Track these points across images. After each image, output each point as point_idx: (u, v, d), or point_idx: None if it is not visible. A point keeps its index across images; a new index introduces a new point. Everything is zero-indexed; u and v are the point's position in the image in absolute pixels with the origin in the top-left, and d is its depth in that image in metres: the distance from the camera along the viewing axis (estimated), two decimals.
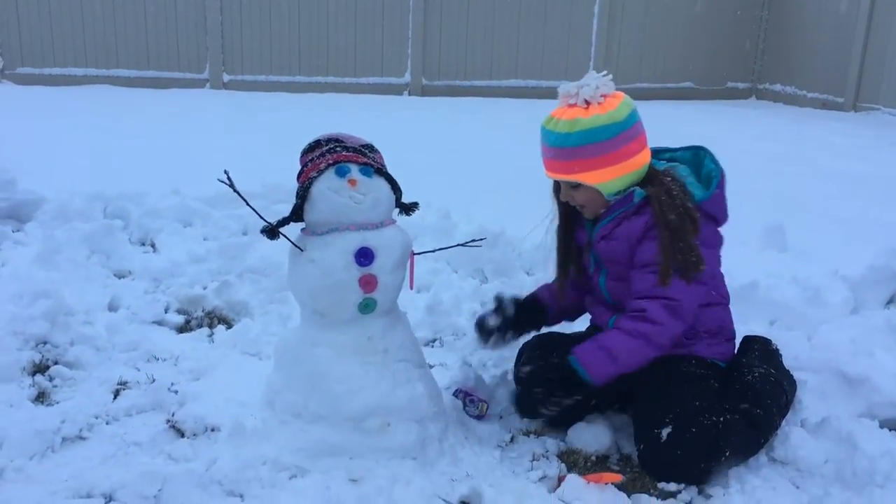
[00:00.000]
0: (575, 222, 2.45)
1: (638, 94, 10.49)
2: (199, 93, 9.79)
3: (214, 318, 3.16)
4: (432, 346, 3.03)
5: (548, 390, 2.24)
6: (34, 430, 2.20)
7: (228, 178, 2.17)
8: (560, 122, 2.20)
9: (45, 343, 2.71)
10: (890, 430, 2.38)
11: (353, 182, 2.20)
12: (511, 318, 2.55)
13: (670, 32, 11.03)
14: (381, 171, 2.28)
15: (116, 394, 2.51)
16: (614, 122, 2.17)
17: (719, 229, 2.35)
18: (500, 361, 2.84)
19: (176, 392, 2.50)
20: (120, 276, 3.47)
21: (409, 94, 10.62)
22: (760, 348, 2.54)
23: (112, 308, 3.13)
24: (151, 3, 9.92)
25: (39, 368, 2.60)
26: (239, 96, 9.58)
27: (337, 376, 2.17)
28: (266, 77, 10.35)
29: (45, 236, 3.47)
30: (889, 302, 3.40)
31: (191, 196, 4.21)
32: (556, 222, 2.49)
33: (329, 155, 2.25)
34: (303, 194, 2.22)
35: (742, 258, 3.73)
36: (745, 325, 3.10)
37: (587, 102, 2.17)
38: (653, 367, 2.31)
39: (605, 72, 2.23)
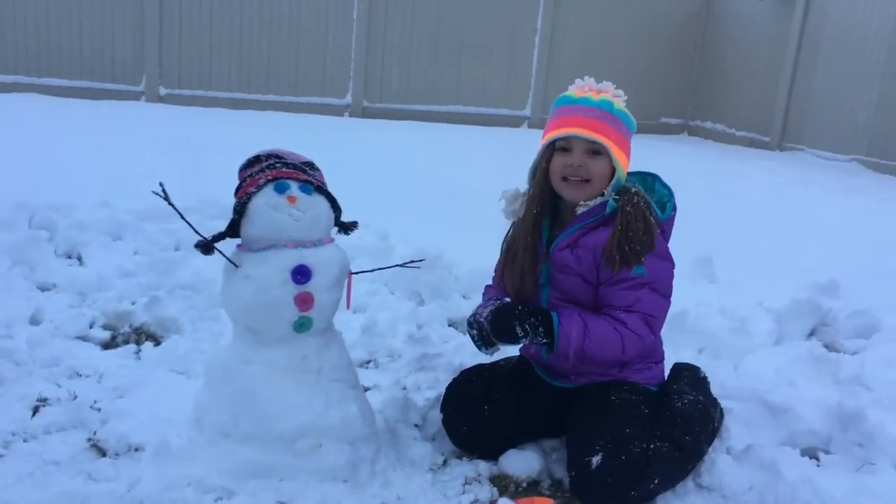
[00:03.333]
0: (543, 213, 2.37)
1: None
2: (134, 105, 9.58)
3: (142, 335, 3.07)
4: (367, 368, 3.00)
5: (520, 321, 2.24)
6: None
7: (163, 191, 2.13)
8: (600, 95, 2.28)
9: None
10: (810, 458, 2.45)
11: (292, 199, 2.17)
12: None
13: (608, 66, 11.25)
14: (322, 189, 2.26)
15: (35, 410, 2.41)
16: (633, 123, 2.33)
17: None
18: (434, 384, 2.83)
19: (99, 409, 2.41)
20: (43, 288, 3.34)
21: (350, 116, 10.60)
22: (690, 375, 2.59)
23: (34, 322, 3.02)
24: (87, 10, 9.68)
25: None
26: (176, 111, 9.41)
27: (269, 395, 2.13)
28: (205, 92, 10.19)
29: None
30: (811, 334, 3.53)
31: (122, 209, 4.11)
32: (531, 211, 2.34)
33: (269, 171, 2.22)
34: (240, 209, 2.19)
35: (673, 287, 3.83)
36: (675, 352, 3.17)
37: (615, 96, 2.29)
38: (586, 392, 2.34)
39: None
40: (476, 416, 2.36)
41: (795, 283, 3.86)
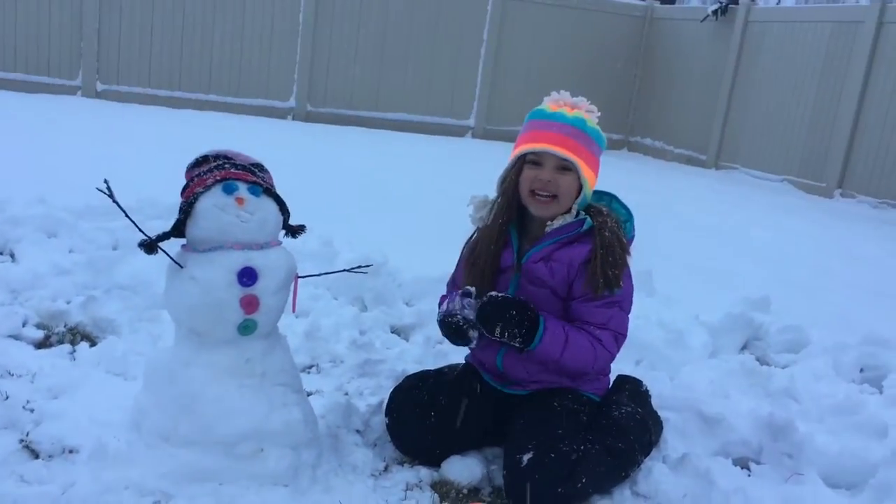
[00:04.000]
0: (504, 242, 2.39)
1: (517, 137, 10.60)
2: (71, 100, 9.35)
3: (77, 335, 2.99)
4: (309, 373, 2.98)
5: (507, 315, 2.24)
6: None
7: (108, 188, 2.09)
8: (574, 112, 2.31)
9: None
10: (742, 467, 2.53)
11: (240, 200, 2.15)
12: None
13: (551, 80, 11.40)
14: (270, 192, 2.25)
15: None
16: (603, 141, 2.38)
17: None
18: (376, 390, 2.83)
19: (32, 410, 2.34)
20: None
21: (294, 119, 10.53)
22: (631, 388, 2.65)
23: None
24: (23, 2, 9.41)
25: None
26: (113, 107, 9.21)
27: (210, 398, 2.10)
28: (143, 89, 10.01)
29: None
30: (743, 347, 3.64)
31: (57, 206, 4.00)
32: (497, 220, 2.37)
33: (217, 171, 2.20)
34: (187, 209, 2.16)
35: None
36: (613, 363, 3.23)
37: (589, 111, 2.34)
38: (530, 399, 2.36)
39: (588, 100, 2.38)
40: (422, 422, 2.37)
41: (730, 298, 3.98)
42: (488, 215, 2.42)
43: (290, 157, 6.93)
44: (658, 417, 2.61)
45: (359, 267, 2.48)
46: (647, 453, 2.46)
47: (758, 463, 2.56)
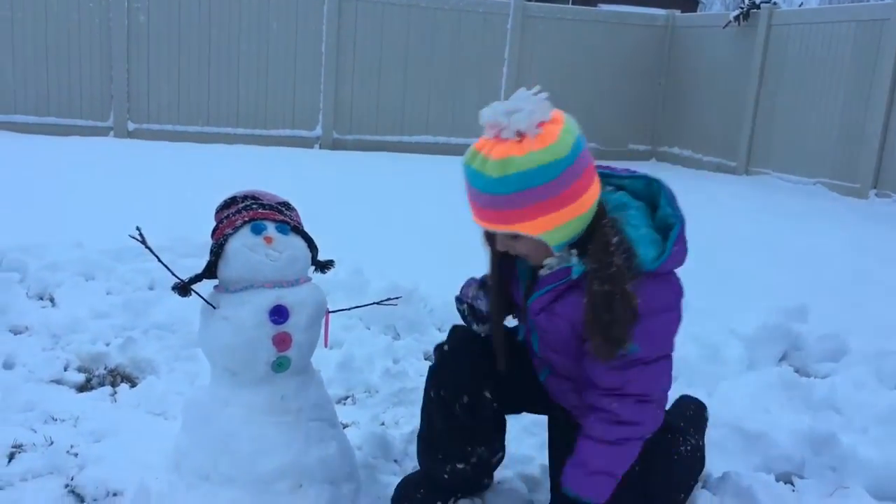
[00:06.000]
0: (510, 274, 2.10)
1: None
2: (103, 141, 9.54)
3: (117, 377, 3.05)
4: (344, 404, 3.01)
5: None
6: None
7: (140, 235, 2.13)
8: (489, 162, 1.74)
9: None
10: (785, 483, 2.49)
11: (269, 239, 2.18)
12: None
13: (575, 94, 11.45)
14: (298, 229, 2.28)
15: (11, 457, 2.37)
16: (556, 160, 1.74)
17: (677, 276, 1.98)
18: (411, 418, 2.84)
19: (76, 455, 2.38)
20: (16, 332, 3.31)
21: (321, 148, 10.64)
22: (695, 413, 2.52)
23: (7, 366, 2.98)
24: (54, 46, 9.65)
25: None
26: (144, 146, 9.39)
27: (248, 437, 2.12)
28: (173, 127, 10.19)
29: None
30: (781, 358, 3.59)
31: (94, 249, 4.08)
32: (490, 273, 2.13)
33: (245, 212, 2.24)
34: (217, 251, 2.20)
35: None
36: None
37: (520, 135, 1.74)
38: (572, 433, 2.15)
39: (537, 88, 1.80)
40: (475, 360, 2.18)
41: (765, 308, 3.93)
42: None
43: (318, 187, 7.01)
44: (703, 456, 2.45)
45: (388, 299, 2.50)
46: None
47: (801, 478, 2.52)
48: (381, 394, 3.04)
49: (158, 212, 5.17)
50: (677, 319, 1.96)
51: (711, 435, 2.65)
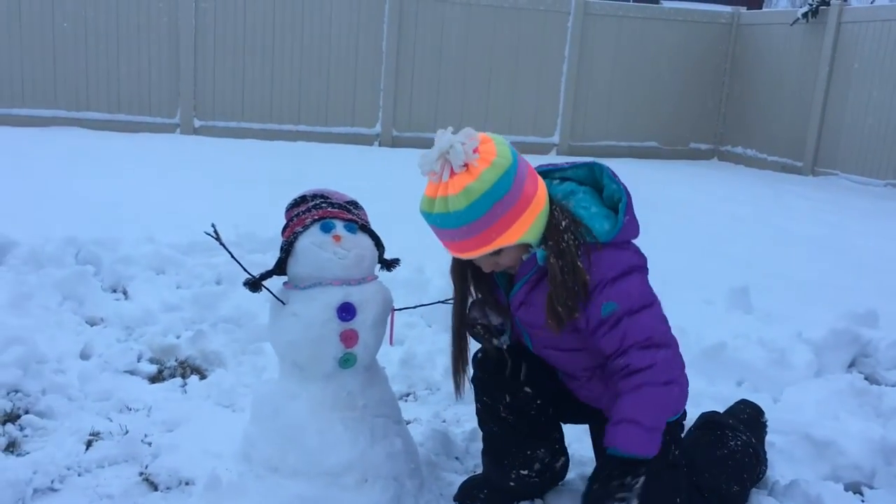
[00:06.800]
0: (493, 287, 2.20)
1: (604, 152, 10.72)
2: (170, 138, 9.78)
3: (187, 368, 3.14)
4: (406, 400, 3.04)
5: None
6: (5, 481, 2.16)
7: (215, 232, 2.20)
8: (448, 199, 1.86)
9: (16, 391, 2.68)
10: (854, 492, 2.44)
11: (337, 238, 2.23)
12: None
13: (636, 93, 11.35)
14: (366, 228, 2.32)
15: (88, 444, 2.47)
16: (506, 170, 1.89)
17: (635, 245, 2.09)
18: (472, 416, 2.85)
19: (149, 444, 2.47)
20: (92, 323, 3.43)
21: (380, 145, 10.72)
22: (751, 415, 2.54)
23: (84, 356, 3.10)
24: (124, 44, 9.92)
25: (10, 417, 2.57)
26: (210, 142, 9.59)
27: (315, 431, 2.17)
28: (237, 123, 10.38)
29: (17, 281, 3.43)
30: (851, 365, 3.50)
31: (164, 243, 4.20)
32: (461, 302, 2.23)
33: (314, 210, 2.29)
34: (287, 248, 2.25)
35: (709, 318, 3.84)
36: (712, 385, 3.18)
37: (465, 165, 1.87)
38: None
39: (449, 128, 1.95)
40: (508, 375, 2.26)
41: (834, 313, 3.84)
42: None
43: (378, 184, 7.07)
44: (766, 455, 2.49)
45: (451, 299, 2.52)
46: (751, 487, 2.37)
47: (871, 488, 2.47)
48: (442, 391, 3.07)
49: (224, 207, 5.28)
50: (644, 275, 2.06)
51: (778, 441, 2.62)
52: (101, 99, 9.95)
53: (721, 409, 2.96)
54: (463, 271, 2.18)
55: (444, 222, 1.91)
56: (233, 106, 10.39)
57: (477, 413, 2.37)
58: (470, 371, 2.33)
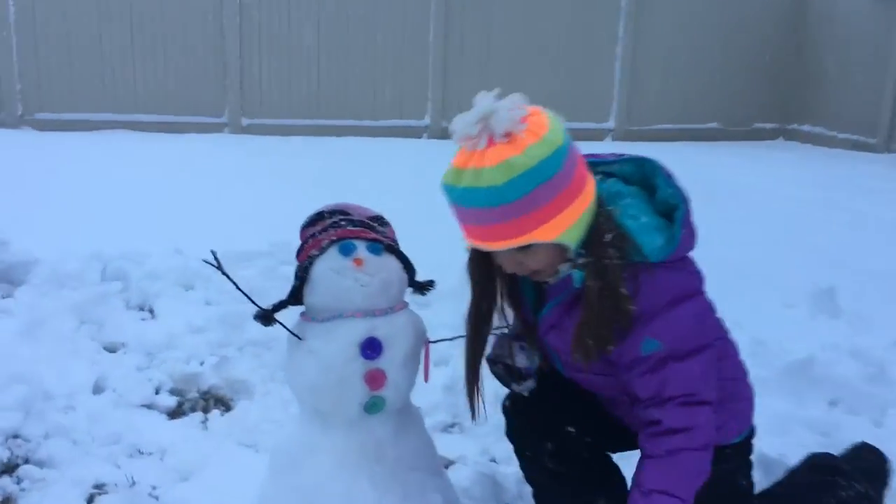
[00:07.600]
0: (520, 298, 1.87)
1: (661, 136, 10.20)
2: (217, 138, 9.63)
3: (210, 399, 2.88)
4: (450, 432, 2.73)
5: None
6: None
7: (215, 259, 1.94)
8: (483, 171, 1.51)
9: (16, 437, 2.44)
10: None
11: (358, 262, 1.91)
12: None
13: (695, 72, 10.81)
14: (393, 248, 2.00)
15: (90, 500, 2.22)
16: (556, 150, 1.54)
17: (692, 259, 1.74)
18: None
19: (156, 498, 2.20)
20: (111, 349, 3.18)
21: (429, 137, 10.45)
22: (873, 463, 2.17)
23: (97, 390, 2.85)
24: (170, 44, 9.83)
25: (8, 468, 2.33)
26: (258, 141, 9.41)
27: (338, 492, 1.86)
28: (285, 120, 10.20)
29: (32, 306, 3.21)
30: None
31: (193, 256, 3.94)
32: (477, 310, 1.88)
33: (332, 230, 1.98)
34: (302, 275, 1.95)
35: (792, 326, 3.44)
36: (801, 406, 2.79)
37: (508, 135, 1.53)
38: None
39: (496, 90, 1.63)
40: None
41: None
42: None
43: (427, 177, 6.76)
44: None
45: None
46: None
47: None
48: (490, 421, 2.71)
49: (262, 212, 5.04)
50: (704, 305, 1.72)
51: None
52: (149, 100, 9.86)
53: (814, 435, 2.61)
54: (486, 269, 1.77)
55: (472, 199, 1.55)
56: (279, 103, 10.22)
57: (521, 468, 2.08)
58: (484, 389, 2.03)
